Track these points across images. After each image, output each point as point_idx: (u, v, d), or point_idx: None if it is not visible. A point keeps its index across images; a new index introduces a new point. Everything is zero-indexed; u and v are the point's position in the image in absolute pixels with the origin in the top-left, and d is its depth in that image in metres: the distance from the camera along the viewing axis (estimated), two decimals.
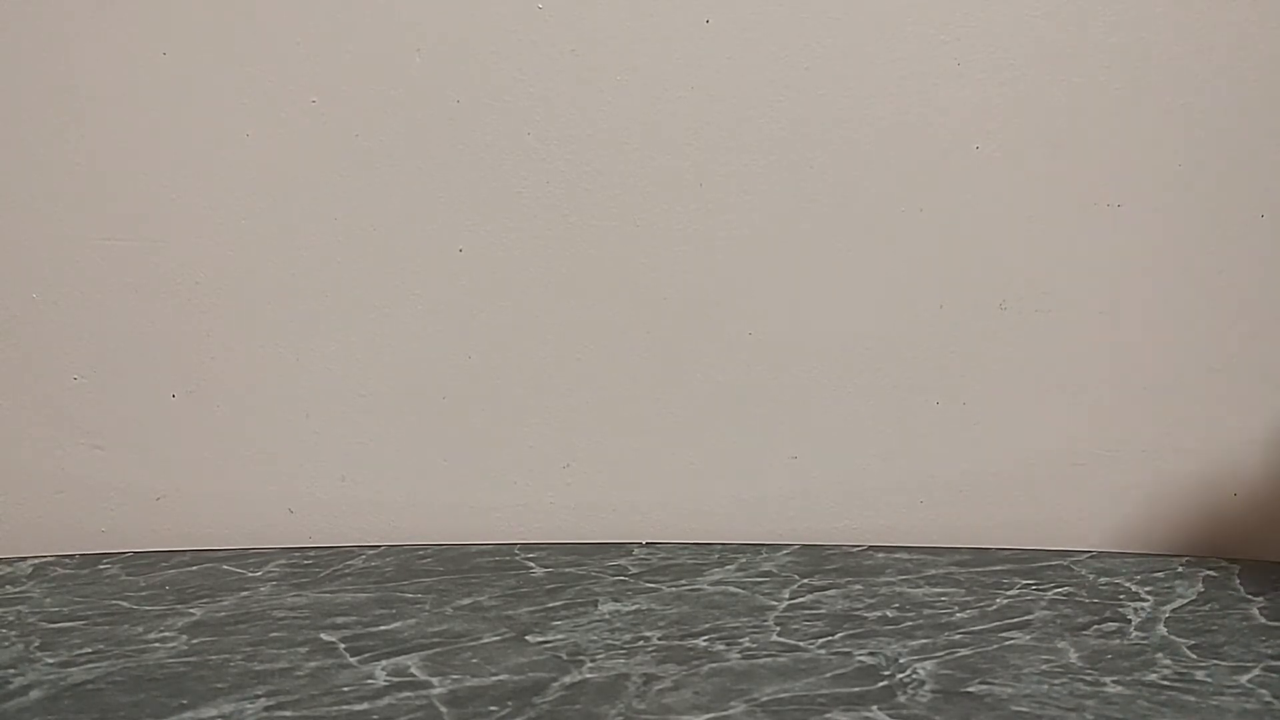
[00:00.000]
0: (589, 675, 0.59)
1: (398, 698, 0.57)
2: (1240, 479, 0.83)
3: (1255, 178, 0.81)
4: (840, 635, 0.64)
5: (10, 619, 0.69)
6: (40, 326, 0.85)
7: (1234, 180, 0.81)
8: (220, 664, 0.61)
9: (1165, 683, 0.57)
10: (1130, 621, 0.66)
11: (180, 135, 0.83)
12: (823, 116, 0.82)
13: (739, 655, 0.62)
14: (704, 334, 0.84)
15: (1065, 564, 0.77)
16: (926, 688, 0.57)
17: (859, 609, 0.69)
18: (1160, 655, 0.61)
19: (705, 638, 0.64)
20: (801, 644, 0.63)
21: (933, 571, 0.76)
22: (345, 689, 0.58)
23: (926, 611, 0.68)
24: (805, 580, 0.74)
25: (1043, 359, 0.83)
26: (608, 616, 0.68)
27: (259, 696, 0.57)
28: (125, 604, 0.71)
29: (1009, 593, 0.71)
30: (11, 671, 0.61)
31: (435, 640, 0.64)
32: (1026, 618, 0.67)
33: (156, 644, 0.64)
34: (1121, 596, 0.70)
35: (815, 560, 0.78)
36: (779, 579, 0.74)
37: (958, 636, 0.64)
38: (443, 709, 0.55)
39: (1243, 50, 0.80)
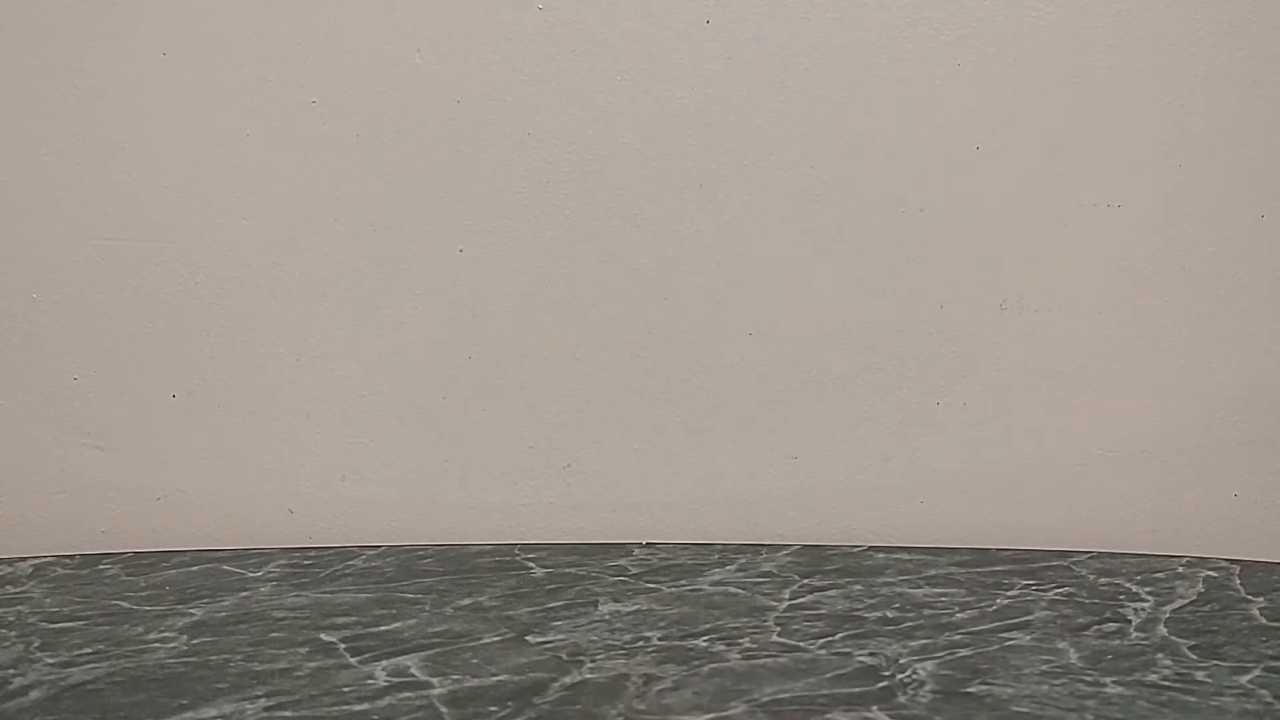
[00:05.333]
0: (589, 675, 0.59)
1: (398, 698, 0.57)
2: (1240, 479, 0.83)
3: (1255, 178, 0.81)
4: (840, 635, 0.64)
5: (10, 619, 0.69)
6: (40, 326, 0.85)
7: (1234, 180, 0.81)
8: (220, 664, 0.61)
9: (1165, 683, 0.57)
10: (1130, 622, 0.66)
11: (180, 135, 0.83)
12: (823, 116, 0.82)
13: (739, 655, 0.62)
14: (704, 334, 0.84)
15: (1065, 564, 0.77)
16: (927, 688, 0.57)
17: (859, 609, 0.69)
18: (1160, 656, 0.61)
19: (705, 638, 0.64)
20: (802, 644, 0.63)
21: (933, 571, 0.76)
22: (345, 689, 0.58)
23: (927, 612, 0.68)
24: (805, 580, 0.74)
25: (1043, 359, 0.83)
26: (608, 617, 0.68)
27: (259, 696, 0.57)
28: (125, 604, 0.71)
29: (1009, 593, 0.71)
30: (11, 671, 0.61)
31: (435, 640, 0.64)
32: (1026, 618, 0.67)
33: (156, 644, 0.64)
34: (1121, 597, 0.70)
35: (815, 560, 0.78)
36: (779, 579, 0.74)
37: (958, 637, 0.64)
38: (443, 709, 0.55)
39: (1243, 50, 0.80)
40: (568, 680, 0.59)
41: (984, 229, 0.82)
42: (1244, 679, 0.58)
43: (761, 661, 0.61)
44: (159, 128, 0.83)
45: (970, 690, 0.57)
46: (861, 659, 0.61)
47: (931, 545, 0.82)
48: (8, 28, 0.83)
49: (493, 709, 0.55)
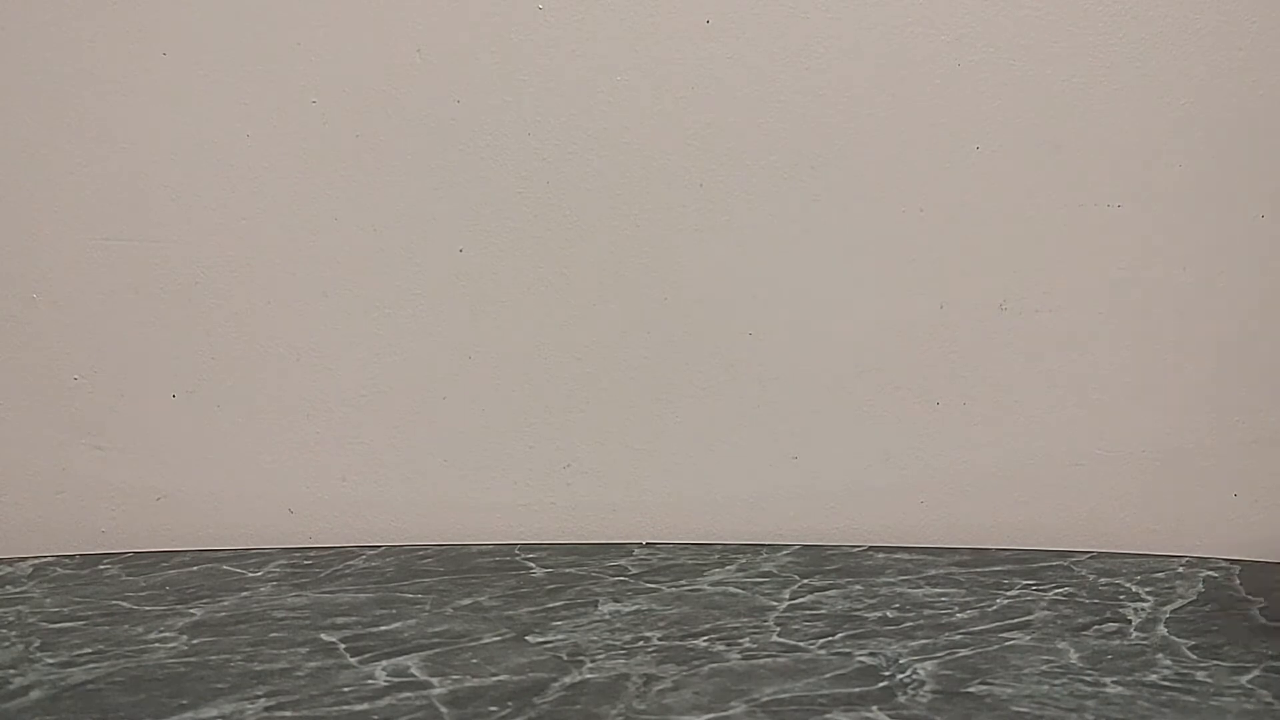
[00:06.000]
0: (589, 675, 0.59)
1: (398, 698, 0.57)
2: (1240, 479, 0.83)
3: (1255, 178, 0.81)
4: (840, 635, 0.64)
5: (10, 619, 0.69)
6: (40, 326, 0.85)
7: (1234, 180, 0.81)
8: (220, 664, 0.61)
9: (1165, 683, 0.57)
10: (1130, 622, 0.66)
11: (180, 135, 0.83)
12: (823, 116, 0.82)
13: (739, 655, 0.62)
14: (704, 334, 0.84)
15: (1065, 564, 0.77)
16: (927, 688, 0.57)
17: (859, 609, 0.69)
18: (1160, 656, 0.61)
19: (705, 638, 0.64)
20: (802, 644, 0.63)
21: (933, 571, 0.76)
22: (345, 689, 0.58)
23: (926, 612, 0.68)
24: (805, 580, 0.74)
25: (1043, 359, 0.83)
26: (608, 617, 0.68)
27: (259, 696, 0.57)
28: (125, 604, 0.71)
29: (1009, 593, 0.71)
30: (11, 671, 0.61)
31: (435, 640, 0.64)
32: (1026, 618, 0.67)
33: (156, 644, 0.64)
34: (1121, 597, 0.70)
35: (815, 560, 0.78)
36: (779, 579, 0.74)
37: (958, 637, 0.64)
38: (443, 709, 0.55)
39: (1243, 51, 0.80)
40: (568, 680, 0.59)
41: (984, 229, 0.82)
42: (1244, 679, 0.58)
43: (761, 661, 0.61)
44: (159, 128, 0.83)
45: (970, 690, 0.57)
46: (861, 659, 0.61)
47: (931, 545, 0.82)
48: (8, 27, 0.83)
49: (493, 709, 0.55)
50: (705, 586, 0.73)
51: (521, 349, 0.85)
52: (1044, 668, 0.59)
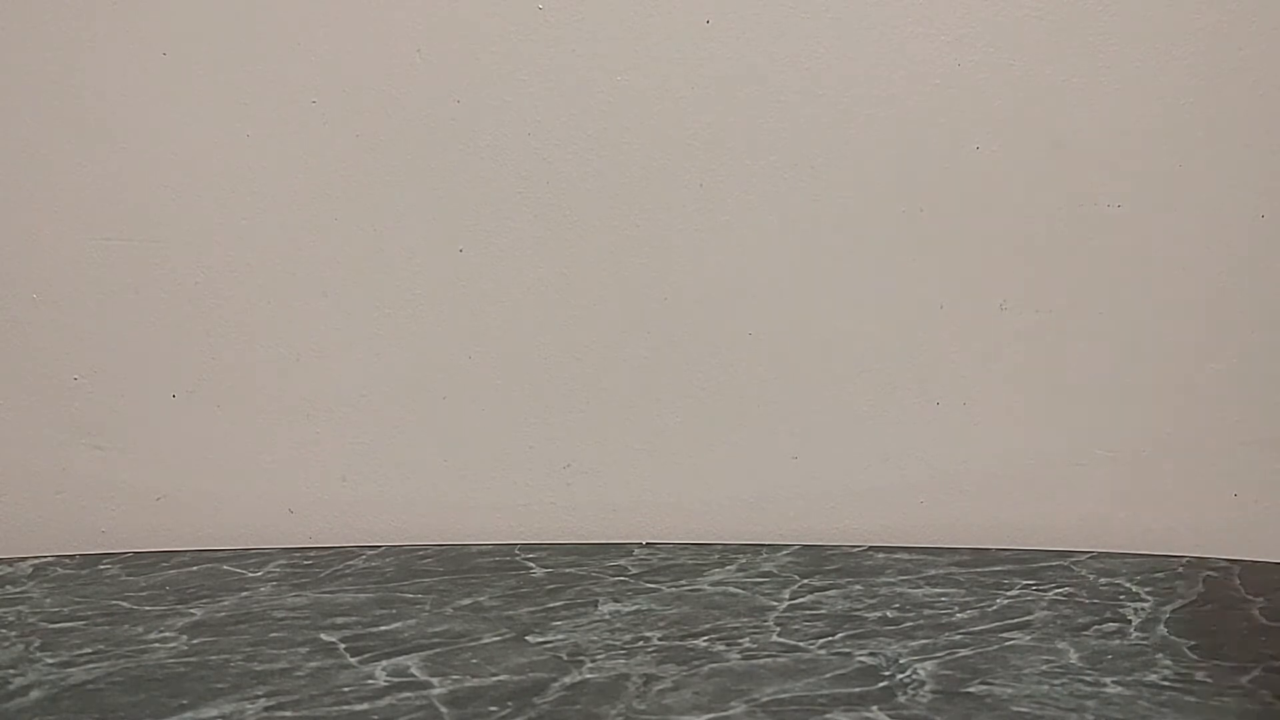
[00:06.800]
0: (589, 675, 0.59)
1: (398, 698, 0.57)
2: (1240, 479, 0.83)
3: (1255, 178, 0.81)
4: (840, 635, 0.64)
5: (10, 619, 0.69)
6: (40, 326, 0.85)
7: (1234, 180, 0.81)
8: (220, 664, 0.61)
9: (1165, 683, 0.57)
10: (1130, 622, 0.66)
11: (180, 135, 0.83)
12: (823, 116, 0.82)
13: (739, 655, 0.62)
14: (704, 334, 0.84)
15: (1065, 564, 0.77)
16: (927, 688, 0.57)
17: (859, 609, 0.69)
18: (1160, 656, 0.61)
19: (705, 638, 0.64)
20: (802, 644, 0.63)
21: (933, 571, 0.76)
22: (345, 689, 0.58)
23: (926, 612, 0.68)
24: (805, 580, 0.74)
25: (1043, 359, 0.83)
26: (608, 617, 0.68)
27: (259, 696, 0.57)
28: (125, 604, 0.71)
29: (1009, 593, 0.71)
30: (11, 671, 0.61)
31: (435, 640, 0.64)
32: (1026, 618, 0.67)
33: (156, 644, 0.64)
34: (1121, 597, 0.70)
35: (815, 560, 0.78)
36: (779, 579, 0.74)
37: (958, 637, 0.64)
38: (443, 709, 0.55)
39: (1243, 51, 0.80)
40: (568, 680, 0.59)
41: (984, 229, 0.82)
42: (1244, 679, 0.58)
43: (761, 661, 0.61)
44: (159, 128, 0.83)
45: (970, 690, 0.57)
46: (861, 659, 0.61)
47: (931, 545, 0.82)
48: (8, 27, 0.83)
49: (493, 709, 0.55)
50: (705, 586, 0.73)
51: (521, 349, 0.85)
52: (1044, 668, 0.59)
